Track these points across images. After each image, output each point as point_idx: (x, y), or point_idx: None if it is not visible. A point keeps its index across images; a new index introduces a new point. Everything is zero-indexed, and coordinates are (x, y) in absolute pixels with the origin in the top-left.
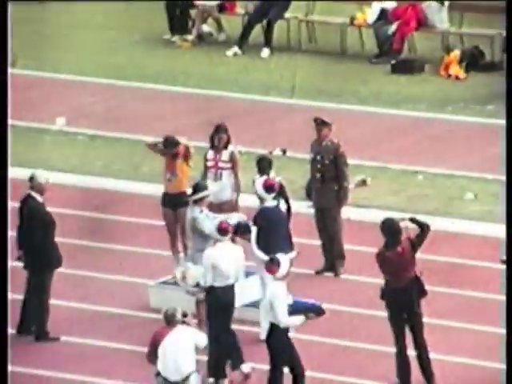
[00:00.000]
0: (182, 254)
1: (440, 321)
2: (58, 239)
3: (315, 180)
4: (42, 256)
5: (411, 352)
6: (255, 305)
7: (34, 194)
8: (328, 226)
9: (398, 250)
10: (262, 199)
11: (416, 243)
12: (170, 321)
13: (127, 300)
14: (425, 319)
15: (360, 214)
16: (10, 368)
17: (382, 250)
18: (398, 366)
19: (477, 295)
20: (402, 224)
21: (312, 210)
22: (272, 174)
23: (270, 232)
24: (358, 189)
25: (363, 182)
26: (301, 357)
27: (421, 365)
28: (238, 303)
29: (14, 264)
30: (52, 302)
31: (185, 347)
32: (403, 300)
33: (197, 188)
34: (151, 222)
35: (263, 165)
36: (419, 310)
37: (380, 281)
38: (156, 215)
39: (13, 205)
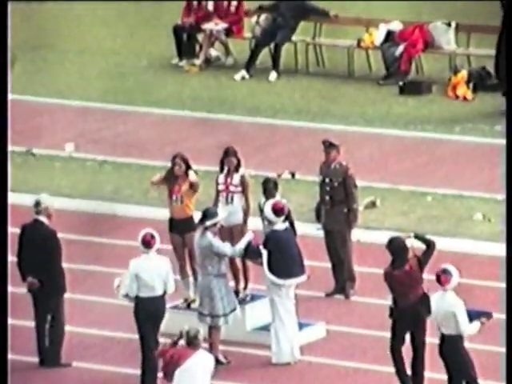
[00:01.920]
0: (191, 278)
1: None
2: (66, 265)
3: (324, 202)
4: (56, 280)
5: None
6: (266, 328)
7: (41, 218)
8: (338, 248)
9: (405, 268)
10: (270, 222)
11: (423, 261)
12: (191, 342)
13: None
14: (431, 339)
15: (370, 235)
16: None
17: (390, 269)
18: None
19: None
20: (408, 242)
21: (321, 233)
22: (278, 196)
23: (282, 255)
24: (368, 211)
25: (372, 204)
26: (310, 379)
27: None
28: (248, 327)
29: (24, 291)
30: (70, 327)
31: (203, 373)
32: (411, 318)
33: (207, 214)
34: (161, 247)
35: (269, 187)
36: (425, 328)
37: (390, 303)
38: (165, 240)
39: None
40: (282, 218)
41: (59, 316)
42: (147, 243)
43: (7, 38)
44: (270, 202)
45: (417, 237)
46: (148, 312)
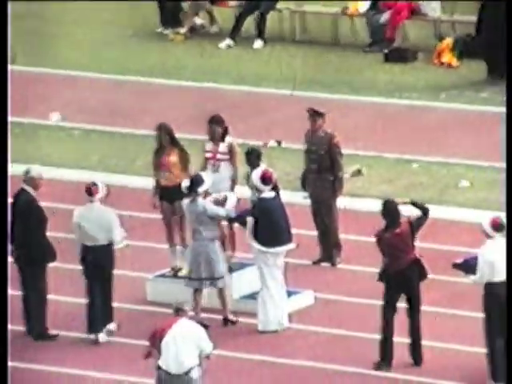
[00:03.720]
0: (178, 247)
1: (436, 308)
2: (53, 234)
3: (310, 171)
4: (34, 250)
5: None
6: (253, 296)
7: (26, 187)
8: (324, 216)
9: (396, 231)
10: (258, 191)
11: (416, 226)
12: (176, 311)
13: (125, 294)
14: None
15: (355, 203)
16: (10, 364)
17: (381, 232)
18: (382, 351)
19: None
20: (406, 210)
21: (308, 201)
22: (262, 166)
23: (269, 223)
24: (354, 178)
25: (358, 172)
26: (298, 346)
27: (413, 348)
28: (235, 295)
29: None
30: (49, 297)
31: (188, 341)
32: (403, 282)
33: (196, 181)
34: (147, 216)
35: (251, 158)
36: (419, 293)
37: (376, 270)
38: (152, 208)
39: (10, 200)
40: (270, 186)
41: (41, 285)
42: (89, 191)
43: (7, 37)
44: (258, 170)
45: (413, 203)
46: (92, 261)
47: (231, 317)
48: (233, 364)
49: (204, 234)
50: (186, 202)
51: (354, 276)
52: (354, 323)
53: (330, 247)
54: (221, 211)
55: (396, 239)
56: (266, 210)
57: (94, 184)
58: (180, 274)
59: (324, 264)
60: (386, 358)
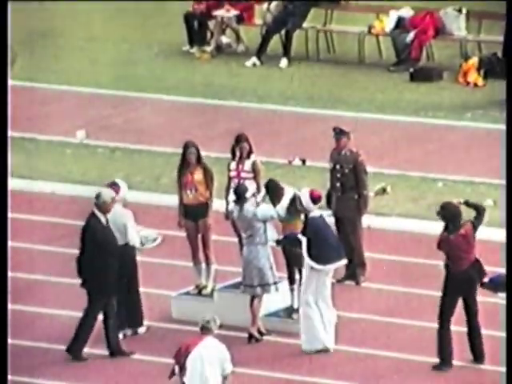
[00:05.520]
0: (203, 265)
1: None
2: (76, 251)
3: (335, 189)
4: (100, 277)
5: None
6: (277, 314)
7: (97, 213)
8: (348, 234)
9: (461, 232)
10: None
11: (476, 225)
12: (202, 328)
13: (150, 311)
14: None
15: (380, 222)
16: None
17: (445, 235)
18: (441, 351)
19: (493, 300)
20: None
21: (332, 219)
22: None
23: (322, 241)
24: (378, 197)
25: (383, 191)
26: (321, 364)
27: (472, 344)
28: (260, 313)
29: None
30: (77, 314)
31: (214, 360)
32: (465, 283)
33: (241, 190)
34: (172, 233)
35: (271, 192)
36: (476, 293)
37: (400, 289)
38: (177, 226)
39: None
40: (318, 205)
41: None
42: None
43: (7, 37)
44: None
45: (467, 203)
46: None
47: (257, 334)
48: (254, 382)
49: (257, 240)
50: (234, 211)
51: (378, 295)
52: (376, 342)
53: (354, 266)
54: (272, 211)
55: (461, 240)
56: (317, 228)
57: (115, 183)
58: (204, 291)
59: (348, 282)
60: (445, 357)
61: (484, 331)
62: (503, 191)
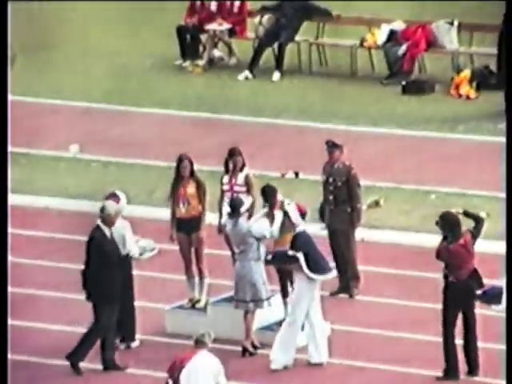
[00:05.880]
0: (196, 279)
1: None
2: (71, 265)
3: (328, 202)
4: (106, 288)
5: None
6: (270, 328)
7: (102, 225)
8: (342, 247)
9: (461, 241)
10: (295, 226)
11: (476, 235)
12: (197, 342)
13: (143, 325)
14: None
15: (373, 234)
16: None
17: (444, 245)
18: (447, 352)
19: (485, 312)
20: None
21: (325, 232)
22: (280, 196)
23: (315, 253)
24: (371, 210)
25: (376, 203)
26: (315, 378)
27: (468, 355)
28: (255, 326)
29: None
30: (70, 328)
31: (208, 374)
32: (464, 293)
33: (236, 203)
34: (166, 247)
35: (267, 195)
36: (474, 305)
37: (394, 301)
38: (169, 240)
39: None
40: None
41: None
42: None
43: (7, 37)
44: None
45: (465, 213)
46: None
47: (250, 348)
48: None
49: (250, 255)
50: (228, 225)
51: (372, 308)
52: (371, 355)
53: (347, 278)
54: (266, 231)
55: (460, 249)
56: (308, 241)
57: (115, 195)
58: (198, 305)
59: (342, 295)
60: (450, 366)
61: (480, 344)
62: (496, 203)
